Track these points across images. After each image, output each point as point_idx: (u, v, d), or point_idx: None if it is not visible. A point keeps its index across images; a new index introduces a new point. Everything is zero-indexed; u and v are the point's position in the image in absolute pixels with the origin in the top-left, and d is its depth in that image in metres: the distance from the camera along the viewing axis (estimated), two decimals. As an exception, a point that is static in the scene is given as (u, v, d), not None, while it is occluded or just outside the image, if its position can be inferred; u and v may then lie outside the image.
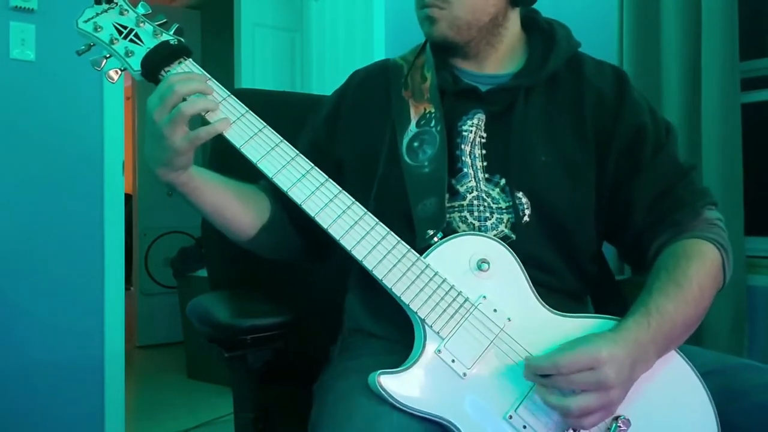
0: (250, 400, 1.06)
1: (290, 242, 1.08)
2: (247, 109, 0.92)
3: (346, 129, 1.10)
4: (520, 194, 0.97)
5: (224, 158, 1.21)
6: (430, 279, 0.87)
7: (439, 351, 0.84)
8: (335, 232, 0.88)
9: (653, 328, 0.84)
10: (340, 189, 0.90)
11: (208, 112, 0.89)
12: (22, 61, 2.15)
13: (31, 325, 2.15)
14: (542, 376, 0.81)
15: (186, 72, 0.91)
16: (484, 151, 1.00)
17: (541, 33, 1.08)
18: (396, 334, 0.94)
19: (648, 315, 0.85)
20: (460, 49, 1.03)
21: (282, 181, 0.89)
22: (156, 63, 0.92)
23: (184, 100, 0.86)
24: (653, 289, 0.89)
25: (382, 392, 0.80)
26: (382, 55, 2.71)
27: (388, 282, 0.86)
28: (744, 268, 1.98)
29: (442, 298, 0.86)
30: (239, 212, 1.01)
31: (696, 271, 0.91)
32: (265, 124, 0.92)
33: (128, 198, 3.74)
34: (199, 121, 0.89)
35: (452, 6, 0.99)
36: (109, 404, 2.31)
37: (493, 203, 0.98)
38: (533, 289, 0.90)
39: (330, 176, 0.91)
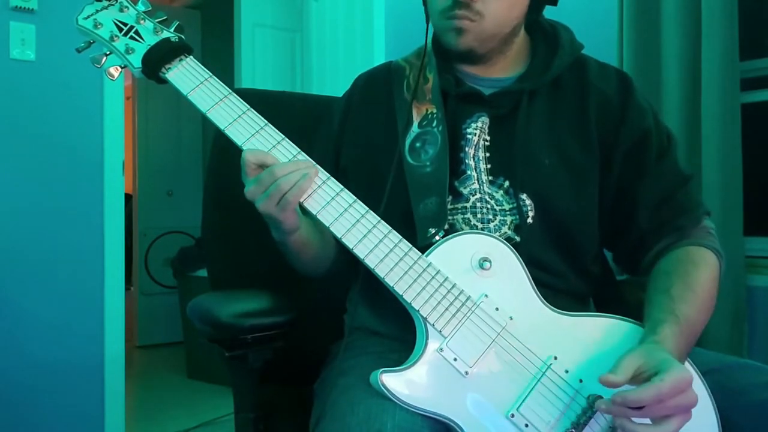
0: (250, 400, 1.05)
1: (342, 262, 1.06)
2: (249, 107, 0.92)
3: (353, 132, 1.10)
4: (524, 196, 0.98)
5: (225, 156, 1.22)
6: (432, 277, 0.87)
7: (441, 349, 0.84)
8: (337, 230, 0.88)
9: (682, 337, 0.85)
10: (342, 187, 0.90)
11: None
12: (22, 61, 2.14)
13: (31, 324, 2.15)
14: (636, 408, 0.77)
15: (289, 163, 0.88)
16: (487, 154, 1.00)
17: (544, 36, 1.08)
18: (399, 332, 0.94)
19: (678, 324, 0.86)
20: (478, 57, 1.03)
21: (284, 180, 0.89)
22: (157, 60, 0.92)
23: None
24: (674, 296, 0.90)
25: (384, 390, 0.80)
26: (382, 56, 2.71)
27: (389, 280, 0.86)
28: (744, 268, 1.99)
29: (444, 297, 0.86)
30: (324, 251, 1.02)
31: (705, 279, 0.93)
32: (266, 121, 0.92)
33: (128, 198, 3.73)
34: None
35: (483, 19, 0.98)
36: (109, 404, 2.30)
37: (497, 205, 0.98)
38: (535, 287, 0.90)
39: (341, 178, 0.91)
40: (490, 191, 0.99)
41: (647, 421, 0.77)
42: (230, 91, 0.93)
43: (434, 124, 1.01)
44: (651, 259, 0.99)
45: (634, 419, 0.77)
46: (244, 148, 0.89)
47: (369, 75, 1.16)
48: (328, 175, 0.90)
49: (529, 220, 0.97)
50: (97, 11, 0.94)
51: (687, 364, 0.87)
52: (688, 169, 1.06)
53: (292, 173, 0.86)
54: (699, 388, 0.87)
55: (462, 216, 0.98)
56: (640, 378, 0.78)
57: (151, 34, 0.94)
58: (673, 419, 0.77)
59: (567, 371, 0.86)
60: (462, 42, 1.00)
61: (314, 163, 0.90)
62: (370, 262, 0.86)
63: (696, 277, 0.92)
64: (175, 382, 3.47)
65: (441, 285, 0.86)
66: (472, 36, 0.99)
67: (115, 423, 2.31)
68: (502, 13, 0.99)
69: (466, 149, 1.01)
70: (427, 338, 0.84)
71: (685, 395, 0.77)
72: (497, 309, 0.87)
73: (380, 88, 1.11)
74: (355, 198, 0.89)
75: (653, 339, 0.84)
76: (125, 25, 0.94)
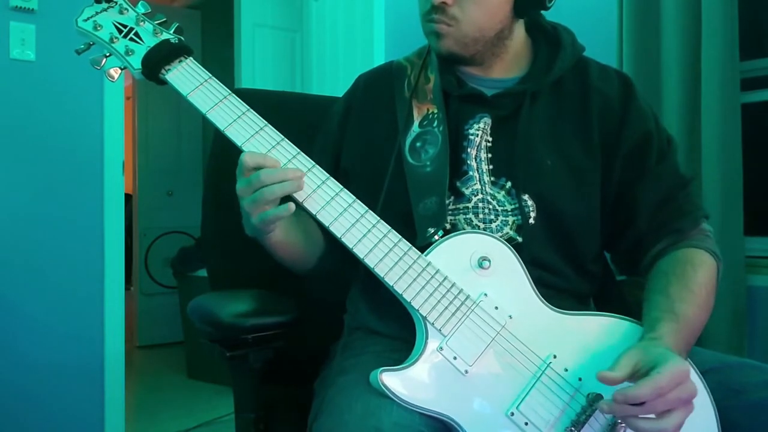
0: (251, 400, 1.06)
1: (335, 261, 1.06)
2: (248, 107, 0.92)
3: (354, 132, 1.10)
4: (526, 197, 0.98)
5: (224, 156, 1.22)
6: (432, 277, 0.87)
7: (441, 348, 0.84)
8: (337, 230, 0.88)
9: (681, 334, 0.86)
10: (342, 187, 0.90)
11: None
12: (22, 61, 2.14)
13: (31, 325, 2.15)
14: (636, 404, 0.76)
15: (278, 172, 0.87)
16: (489, 155, 1.01)
17: (546, 37, 1.08)
18: (399, 331, 0.94)
19: (677, 321, 0.87)
20: (465, 60, 1.03)
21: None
22: (156, 61, 0.93)
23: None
24: (672, 295, 0.90)
25: (384, 390, 0.81)
26: (382, 56, 2.71)
27: (389, 280, 0.86)
28: (744, 268, 1.99)
29: (444, 296, 0.86)
30: (307, 250, 1.03)
31: (703, 279, 0.94)
32: (266, 122, 0.92)
33: (128, 198, 3.74)
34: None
35: (460, 24, 0.98)
36: (109, 404, 2.30)
37: (499, 206, 0.98)
38: (534, 286, 0.90)
39: (342, 180, 0.91)
40: (492, 192, 0.99)
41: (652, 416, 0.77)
42: (230, 92, 0.93)
43: (435, 124, 1.01)
44: (650, 261, 1.00)
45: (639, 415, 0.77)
46: (244, 149, 0.90)
47: (370, 75, 1.16)
48: (328, 175, 0.90)
49: (531, 221, 0.97)
50: (97, 13, 0.94)
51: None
52: (688, 171, 1.07)
53: (276, 185, 0.85)
54: (698, 387, 0.87)
55: (464, 216, 0.98)
56: (638, 374, 0.78)
57: (150, 36, 0.94)
58: (675, 413, 0.77)
59: (566, 370, 0.86)
60: (442, 46, 1.00)
61: (310, 167, 0.90)
62: (370, 261, 0.87)
63: (694, 277, 0.93)
64: (175, 382, 3.47)
65: (440, 284, 0.87)
66: (452, 40, 1.00)
67: (115, 423, 2.31)
68: (480, 18, 0.98)
69: (468, 150, 1.01)
70: (426, 337, 0.85)
71: (684, 387, 0.77)
72: (497, 308, 0.87)
73: (382, 88, 1.11)
74: (354, 198, 0.90)
75: (651, 336, 0.85)
76: (125, 26, 0.94)
